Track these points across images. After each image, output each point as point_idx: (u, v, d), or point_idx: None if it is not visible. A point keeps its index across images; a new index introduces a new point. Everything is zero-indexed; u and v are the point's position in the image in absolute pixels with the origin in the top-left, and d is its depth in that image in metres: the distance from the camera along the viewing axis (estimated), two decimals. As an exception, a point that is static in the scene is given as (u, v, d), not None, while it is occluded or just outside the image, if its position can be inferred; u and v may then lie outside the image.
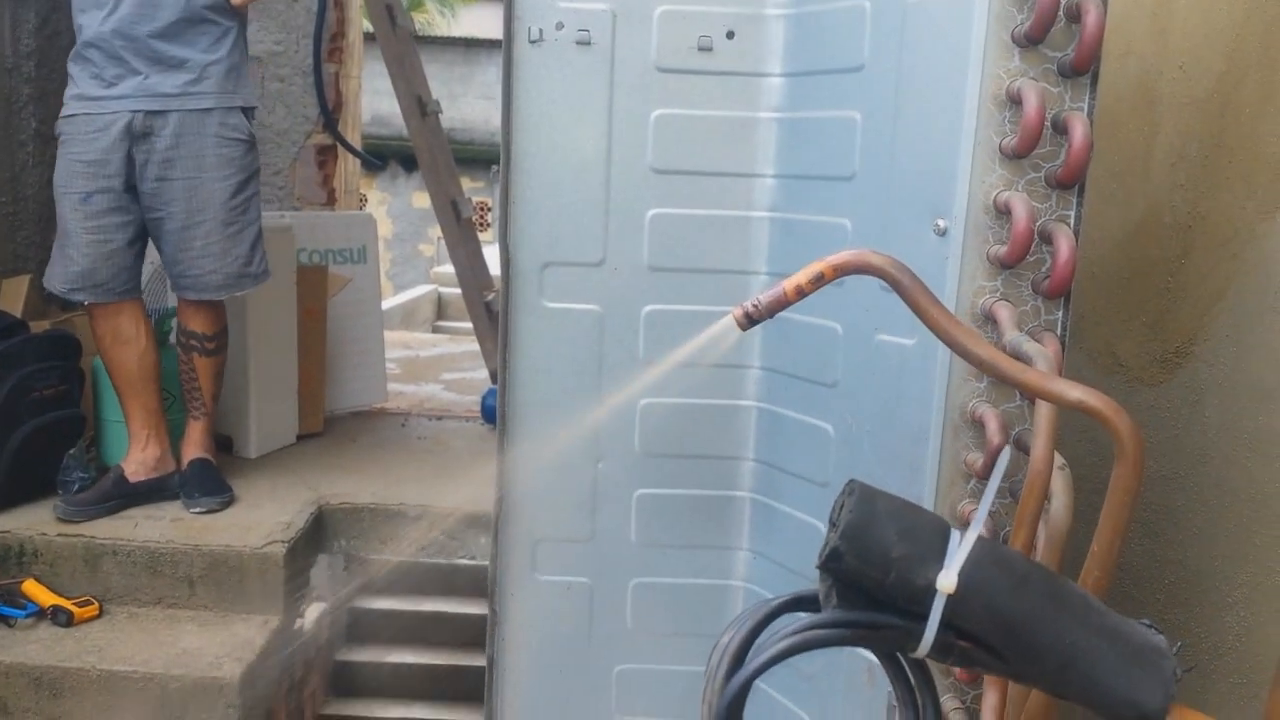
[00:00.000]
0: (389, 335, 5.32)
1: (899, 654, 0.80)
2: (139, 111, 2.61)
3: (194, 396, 3.07)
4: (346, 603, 5.63)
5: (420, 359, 5.13)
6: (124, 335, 2.89)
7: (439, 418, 4.20)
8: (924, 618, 0.74)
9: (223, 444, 3.61)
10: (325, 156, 4.43)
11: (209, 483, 3.15)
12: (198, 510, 3.08)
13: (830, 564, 0.75)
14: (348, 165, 4.71)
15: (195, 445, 3.10)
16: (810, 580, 0.83)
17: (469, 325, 5.04)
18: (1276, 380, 1.33)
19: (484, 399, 4.02)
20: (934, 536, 0.76)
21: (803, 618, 0.76)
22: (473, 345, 4.95)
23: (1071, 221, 1.19)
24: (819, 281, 0.93)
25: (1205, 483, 1.45)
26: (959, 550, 0.74)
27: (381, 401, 4.22)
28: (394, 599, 5.89)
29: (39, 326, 3.19)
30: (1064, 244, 1.15)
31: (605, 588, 1.53)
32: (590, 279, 1.44)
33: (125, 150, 2.65)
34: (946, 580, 0.73)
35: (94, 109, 2.64)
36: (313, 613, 5.18)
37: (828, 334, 1.37)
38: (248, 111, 2.78)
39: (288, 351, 3.62)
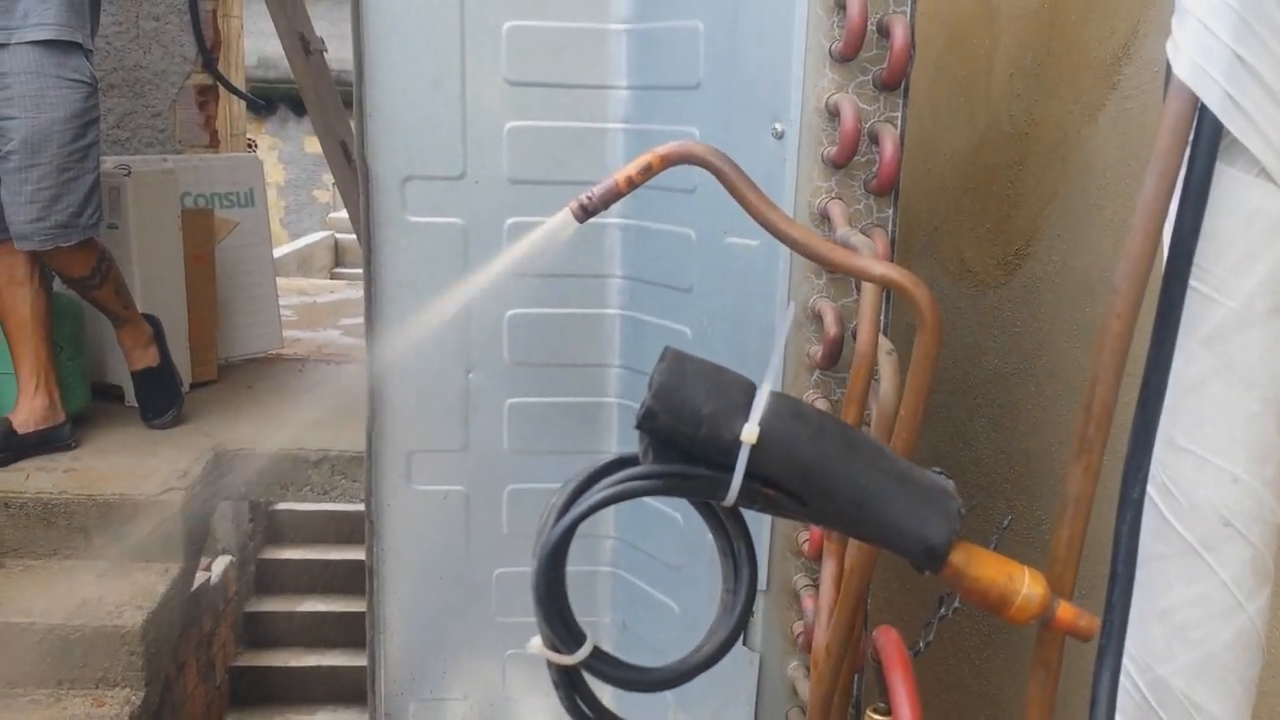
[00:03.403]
0: (285, 283, 5.26)
1: (714, 506, 0.86)
2: None
3: (107, 315, 3.15)
4: (255, 552, 5.59)
5: (318, 305, 5.08)
6: (18, 276, 2.85)
7: (338, 363, 4.19)
8: (732, 468, 0.80)
9: (113, 394, 3.57)
10: (206, 97, 4.34)
11: (150, 398, 3.26)
12: (156, 427, 3.22)
13: (646, 423, 0.81)
14: (232, 108, 4.62)
15: (130, 356, 3.18)
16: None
17: (368, 271, 5.00)
18: (1098, 274, 1.43)
19: (384, 343, 4.00)
20: (740, 394, 0.82)
21: (619, 474, 0.82)
22: (371, 291, 4.92)
23: (898, 123, 1.25)
24: (648, 172, 0.98)
25: (1041, 374, 1.56)
26: (756, 404, 0.80)
27: (277, 347, 4.19)
28: (301, 547, 5.88)
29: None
30: (889, 143, 1.22)
31: (480, 495, 1.57)
32: (452, 192, 1.47)
33: None
34: (749, 431, 0.80)
35: None
36: (221, 562, 5.14)
37: (682, 240, 1.42)
38: (88, 54, 2.74)
39: (176, 298, 3.58)
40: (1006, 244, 1.63)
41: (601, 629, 1.61)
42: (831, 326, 1.25)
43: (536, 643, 0.83)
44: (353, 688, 4.18)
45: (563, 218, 1.00)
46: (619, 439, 1.57)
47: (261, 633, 5.52)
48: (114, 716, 2.62)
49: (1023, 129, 1.61)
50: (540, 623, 0.81)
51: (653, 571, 1.55)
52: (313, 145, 8.60)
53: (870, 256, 0.96)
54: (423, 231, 1.47)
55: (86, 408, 3.39)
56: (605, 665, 0.82)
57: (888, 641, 1.07)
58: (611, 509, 1.59)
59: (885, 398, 1.18)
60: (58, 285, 3.16)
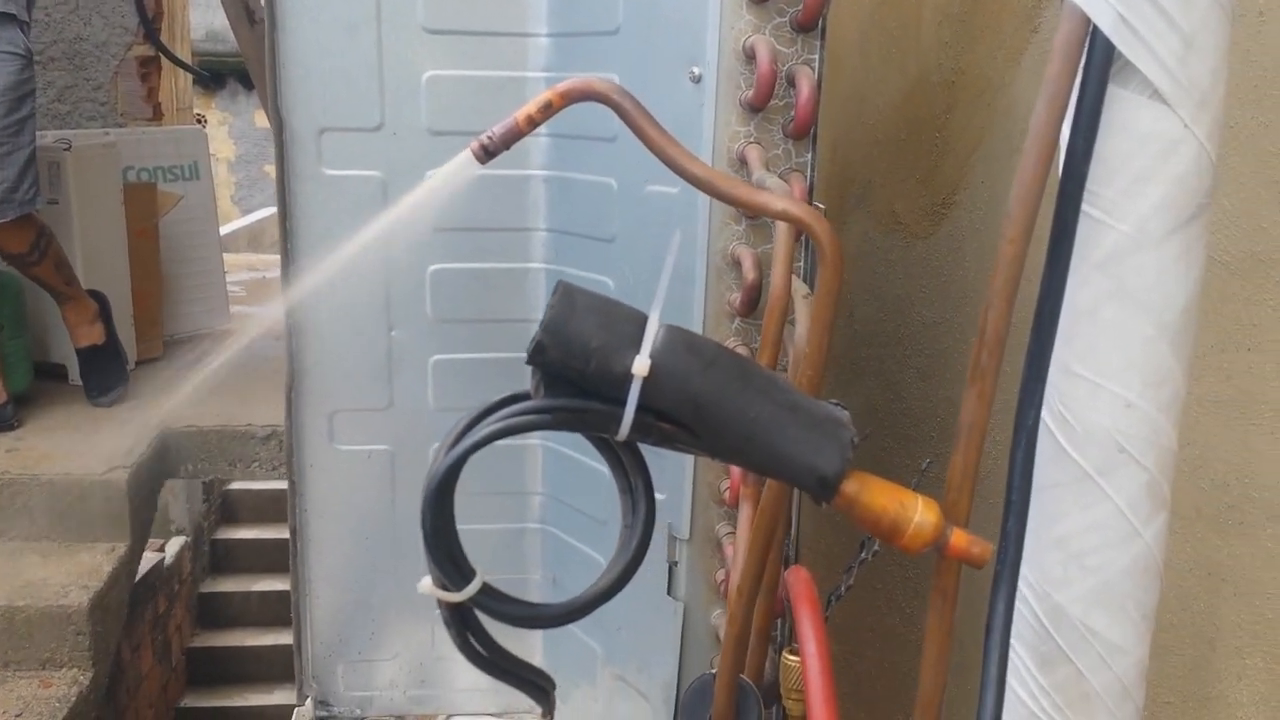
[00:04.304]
0: (235, 258, 5.19)
1: (611, 442, 0.85)
2: None
3: (49, 292, 3.10)
4: (209, 532, 5.54)
5: (267, 280, 5.01)
6: None
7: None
8: (624, 402, 0.79)
9: (57, 372, 3.51)
10: (148, 69, 4.25)
11: (95, 376, 3.20)
12: (101, 405, 3.14)
13: (536, 357, 0.80)
14: (177, 81, 4.53)
15: (74, 333, 3.14)
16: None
17: (320, 246, 4.95)
18: (1023, 220, 1.43)
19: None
20: (631, 327, 0.81)
21: (508, 409, 0.81)
22: (323, 266, 4.87)
23: (815, 65, 1.24)
24: (548, 110, 0.97)
25: (967, 323, 1.56)
26: (646, 337, 0.79)
27: (225, 324, 4.14)
28: (255, 527, 5.82)
29: None
30: (805, 85, 1.21)
31: (406, 454, 1.56)
32: (370, 144, 1.44)
33: None
34: (640, 364, 0.78)
35: None
36: (175, 543, 5.09)
37: (604, 190, 1.41)
38: (23, 26, 2.68)
39: (119, 274, 3.52)
40: (934, 194, 1.63)
41: (532, 585, 1.60)
42: (750, 272, 1.24)
43: (426, 582, 0.82)
44: (310, 665, 4.17)
45: (464, 159, 0.99)
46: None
47: (218, 613, 5.47)
48: (61, 697, 2.59)
49: (950, 77, 1.60)
50: (429, 560, 0.80)
51: (581, 526, 1.54)
52: (263, 120, 8.47)
53: (771, 193, 0.95)
54: (340, 185, 1.45)
55: (29, 387, 3.33)
56: (495, 602, 0.81)
57: (796, 581, 1.07)
58: (539, 463, 1.58)
59: (800, 340, 1.18)
60: (-1, 264, 3.09)
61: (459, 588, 0.80)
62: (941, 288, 1.61)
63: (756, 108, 1.23)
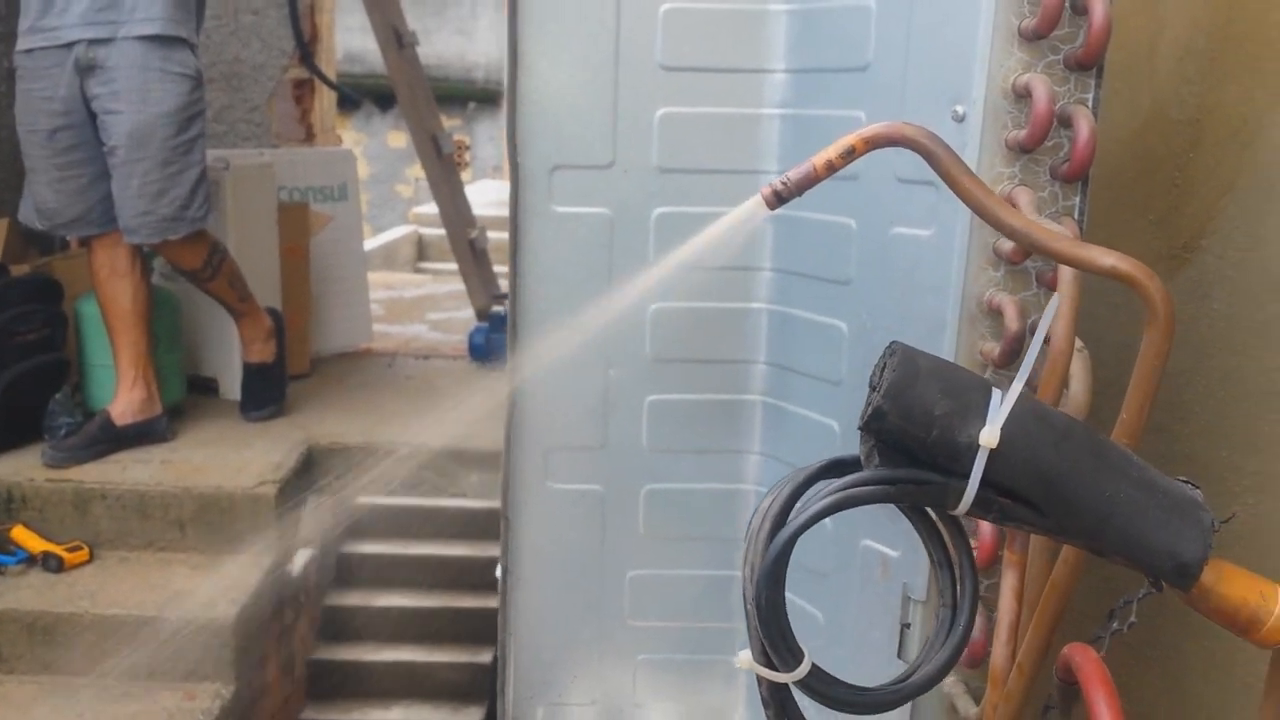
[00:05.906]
0: (371, 277, 5.27)
1: (933, 514, 0.80)
2: (83, 41, 2.57)
3: (225, 308, 3.16)
4: (337, 545, 5.62)
5: (404, 299, 5.10)
6: (120, 269, 2.88)
7: (426, 357, 4.19)
8: (965, 474, 0.74)
9: (208, 386, 3.59)
10: (302, 91, 4.36)
11: (255, 392, 3.26)
12: (254, 420, 3.21)
13: (873, 424, 0.75)
14: (324, 102, 4.64)
15: (247, 349, 3.20)
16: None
17: (451, 266, 5.01)
18: (1286, 269, 1.33)
19: (471, 337, 4.01)
20: (976, 394, 0.75)
21: (843, 478, 0.76)
22: (456, 285, 4.91)
23: (1090, 104, 1.18)
24: (850, 156, 0.92)
25: (1212, 376, 1.46)
26: (1002, 406, 0.73)
27: (367, 342, 4.20)
28: (382, 541, 5.89)
29: (19, 270, 3.14)
30: (1084, 126, 1.14)
31: (617, 494, 1.53)
32: (600, 181, 1.42)
33: (79, 84, 2.61)
34: (989, 435, 0.73)
35: (46, 41, 2.60)
36: (303, 555, 5.19)
37: (840, 230, 1.36)
38: (193, 48, 2.74)
39: (271, 292, 3.59)
40: (1173, 237, 1.54)
41: (741, 636, 1.55)
42: (1013, 322, 1.17)
43: (746, 656, 0.78)
44: (429, 684, 4.17)
45: (753, 205, 0.95)
46: (761, 439, 1.51)
47: (340, 626, 5.53)
48: (204, 710, 2.60)
49: (1194, 115, 1.51)
50: (758, 638, 0.76)
51: (796, 578, 1.48)
52: (395, 140, 8.65)
53: (1097, 248, 0.89)
54: (569, 222, 1.43)
55: (182, 400, 3.41)
56: (822, 684, 0.76)
57: (1086, 660, 1.00)
58: (750, 508, 1.53)
59: (1076, 399, 1.11)
60: (154, 278, 3.17)
61: (789, 668, 0.75)
62: (1181, 336, 1.51)
63: (1026, 149, 1.17)
